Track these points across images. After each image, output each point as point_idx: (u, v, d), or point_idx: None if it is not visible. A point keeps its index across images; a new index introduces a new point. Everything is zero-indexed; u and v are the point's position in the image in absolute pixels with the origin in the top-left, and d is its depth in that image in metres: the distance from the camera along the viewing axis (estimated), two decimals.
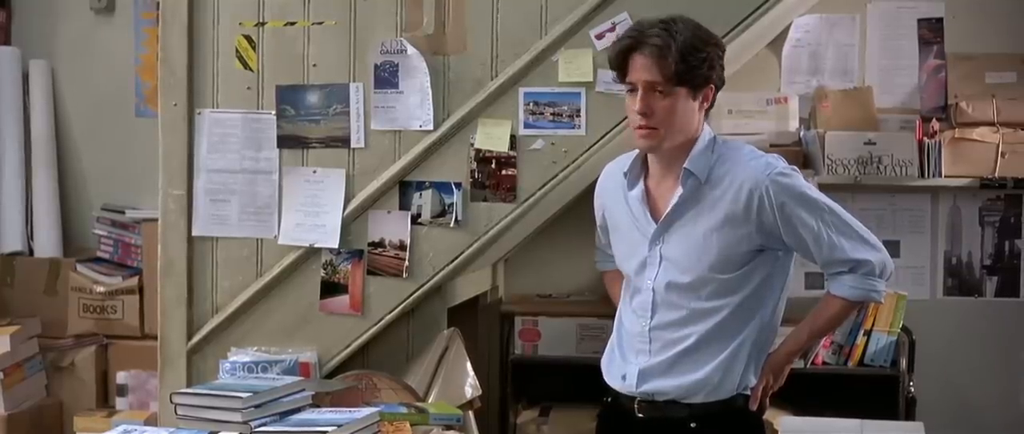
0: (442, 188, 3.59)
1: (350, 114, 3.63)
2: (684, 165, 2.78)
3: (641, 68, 2.74)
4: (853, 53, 4.43)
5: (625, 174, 2.89)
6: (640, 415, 2.86)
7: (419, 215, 3.60)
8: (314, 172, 3.66)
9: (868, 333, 4.03)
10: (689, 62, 2.71)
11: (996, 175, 4.23)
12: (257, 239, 3.70)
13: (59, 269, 4.58)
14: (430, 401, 3.41)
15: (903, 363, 4.03)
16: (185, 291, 3.71)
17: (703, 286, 2.79)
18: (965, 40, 4.38)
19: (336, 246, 3.63)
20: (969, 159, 4.24)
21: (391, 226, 3.62)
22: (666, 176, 2.84)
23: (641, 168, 2.88)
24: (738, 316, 2.80)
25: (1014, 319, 4.39)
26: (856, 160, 4.21)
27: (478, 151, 3.57)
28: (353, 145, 3.64)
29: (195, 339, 3.71)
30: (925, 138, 4.22)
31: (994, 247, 4.40)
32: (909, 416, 4.00)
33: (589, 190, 3.18)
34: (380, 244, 3.63)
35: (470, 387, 3.56)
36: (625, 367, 2.89)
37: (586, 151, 3.52)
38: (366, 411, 3.05)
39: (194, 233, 3.71)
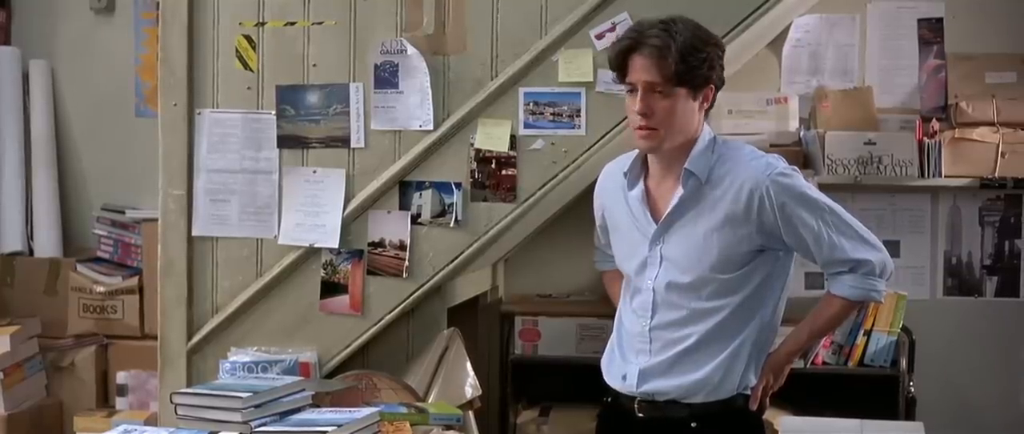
0: (442, 188, 3.59)
1: (350, 114, 3.63)
2: (684, 165, 2.78)
3: (641, 69, 2.74)
4: (853, 53, 4.43)
5: (625, 174, 2.89)
6: (640, 415, 2.86)
7: (419, 215, 3.60)
8: (314, 172, 3.66)
9: (868, 333, 4.03)
10: (689, 62, 2.71)
11: (996, 175, 4.23)
12: (257, 239, 3.70)
13: (59, 269, 4.58)
14: (430, 401, 3.41)
15: (903, 363, 4.03)
16: (185, 291, 3.71)
17: (703, 286, 2.79)
18: (965, 40, 4.38)
19: (336, 246, 3.63)
20: (969, 159, 4.24)
21: (391, 226, 3.62)
22: (666, 176, 2.84)
23: (641, 168, 2.88)
24: (738, 316, 2.80)
25: (1014, 319, 4.39)
26: (856, 160, 4.21)
27: (478, 151, 3.57)
28: (353, 145, 3.64)
29: (195, 339, 3.71)
30: (925, 138, 4.22)
31: (994, 247, 4.40)
32: (909, 416, 4.00)
33: (589, 190, 3.18)
34: (380, 244, 3.63)
35: (470, 387, 3.56)
36: (625, 367, 2.89)
37: (586, 151, 3.52)
38: (366, 411, 3.05)
39: (194, 233, 3.71)
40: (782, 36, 4.40)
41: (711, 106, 2.83)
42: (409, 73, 3.58)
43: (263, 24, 3.67)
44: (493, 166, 3.57)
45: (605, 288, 3.23)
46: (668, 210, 2.81)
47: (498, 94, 3.55)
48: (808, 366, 3.99)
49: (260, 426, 2.92)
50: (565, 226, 4.04)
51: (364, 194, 3.62)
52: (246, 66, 3.68)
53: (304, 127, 3.66)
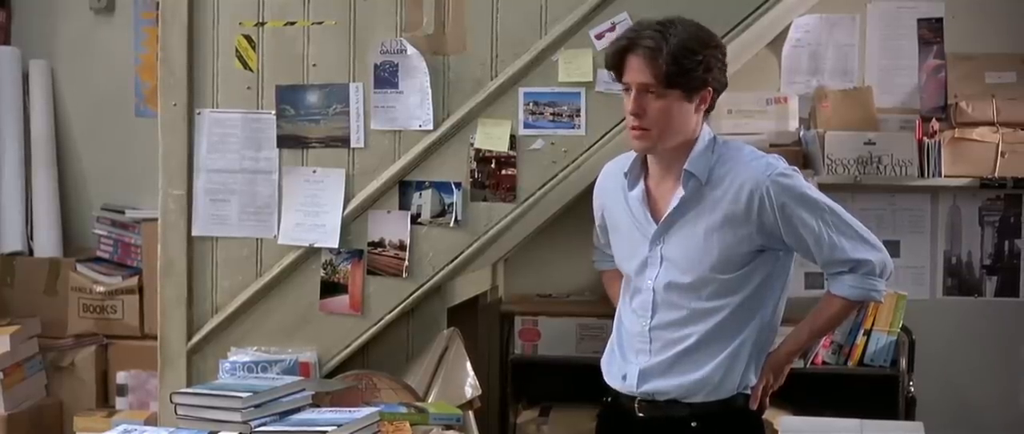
0: (442, 188, 3.59)
1: (350, 114, 3.63)
2: (684, 166, 2.78)
3: (635, 69, 2.74)
4: (853, 53, 4.43)
5: (625, 174, 2.89)
6: (640, 414, 2.86)
7: (419, 215, 3.60)
8: (314, 172, 3.66)
9: (868, 333, 4.03)
10: (682, 65, 2.70)
11: (996, 175, 4.23)
12: (257, 239, 3.70)
13: (59, 269, 4.58)
14: (430, 401, 3.41)
15: (903, 363, 4.03)
16: (185, 291, 3.71)
17: (704, 286, 2.79)
18: (965, 40, 4.38)
19: (336, 246, 3.63)
20: (969, 159, 4.24)
21: (391, 226, 3.62)
22: (666, 177, 2.84)
23: (641, 168, 2.88)
24: (738, 316, 2.80)
25: (1014, 319, 4.39)
26: (856, 160, 4.21)
27: (478, 151, 3.57)
28: (353, 145, 3.64)
29: (195, 339, 3.71)
30: (925, 138, 4.22)
31: (994, 247, 4.40)
32: (909, 416, 4.00)
33: (589, 190, 3.18)
34: (380, 244, 3.63)
35: (470, 387, 3.56)
36: (625, 367, 2.89)
37: (586, 151, 3.52)
38: (366, 411, 3.05)
39: (194, 233, 3.71)
40: (782, 36, 4.40)
41: (711, 108, 2.82)
42: (409, 73, 3.58)
43: (263, 24, 3.67)
44: (493, 166, 3.57)
45: (604, 288, 3.23)
46: (669, 211, 2.81)
47: (498, 94, 3.55)
48: (808, 366, 4.00)
49: (260, 426, 2.92)
50: (565, 226, 4.04)
51: (364, 194, 3.62)
52: (246, 66, 3.68)
53: (304, 127, 3.66)
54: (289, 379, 3.24)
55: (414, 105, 3.59)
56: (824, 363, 4.06)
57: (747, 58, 4.17)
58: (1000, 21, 4.35)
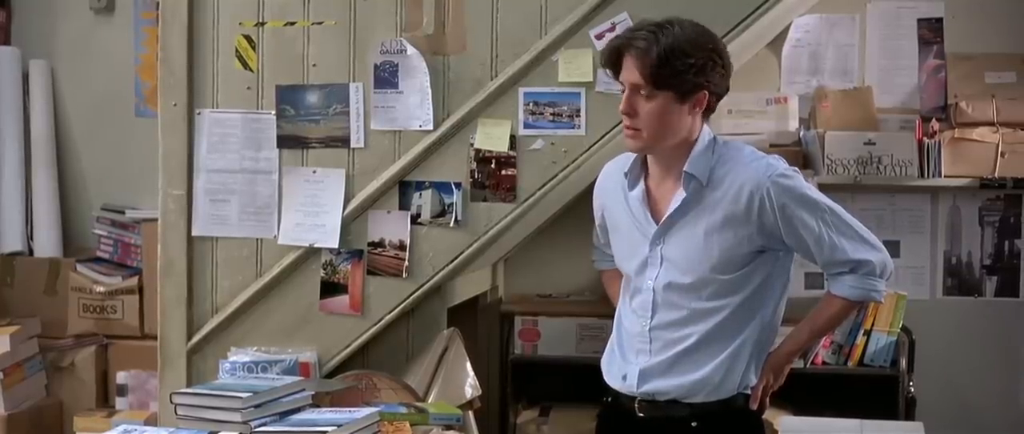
0: (442, 188, 3.59)
1: (350, 114, 3.63)
2: (684, 168, 2.78)
3: (628, 69, 2.75)
4: (853, 53, 4.43)
5: (625, 174, 2.89)
6: (641, 414, 2.86)
7: (419, 215, 3.60)
8: (314, 172, 3.66)
9: (868, 333, 4.03)
10: (673, 66, 2.69)
11: (996, 175, 4.23)
12: (257, 239, 3.70)
13: (59, 269, 4.58)
14: (430, 401, 3.41)
15: (903, 363, 4.03)
16: (185, 291, 3.71)
17: (704, 287, 2.79)
18: (965, 40, 4.38)
19: (336, 246, 3.63)
20: (969, 159, 4.24)
21: (391, 226, 3.62)
22: (666, 177, 2.84)
23: (641, 169, 2.88)
24: (739, 316, 2.80)
25: (1014, 319, 4.39)
26: (856, 160, 4.21)
27: (478, 151, 3.57)
28: (353, 145, 3.64)
29: (195, 339, 3.71)
30: (925, 138, 4.23)
31: (994, 247, 4.40)
32: (909, 416, 4.00)
33: (589, 190, 3.18)
34: (380, 244, 3.63)
35: (470, 387, 3.56)
36: (625, 367, 2.89)
37: (586, 151, 3.52)
38: (366, 411, 3.05)
39: (194, 233, 3.71)
40: (782, 36, 4.40)
41: (710, 111, 2.81)
42: (409, 73, 3.58)
43: (263, 24, 3.67)
44: (493, 166, 3.57)
45: (604, 287, 3.23)
46: (669, 212, 2.81)
47: (498, 94, 3.55)
48: (808, 366, 4.00)
49: (260, 426, 2.92)
50: (565, 226, 4.05)
51: (364, 194, 3.62)
52: (246, 66, 3.68)
53: (304, 127, 3.66)
54: (289, 379, 3.24)
55: (414, 105, 3.59)
56: (824, 363, 4.06)
57: (747, 58, 4.17)
58: (1000, 21, 4.35)
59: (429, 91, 3.57)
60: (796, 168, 2.83)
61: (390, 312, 3.63)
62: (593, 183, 3.12)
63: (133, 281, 4.50)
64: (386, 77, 3.60)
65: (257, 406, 2.95)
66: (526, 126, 3.55)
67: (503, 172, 3.56)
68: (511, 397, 4.26)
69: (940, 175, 4.21)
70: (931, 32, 4.40)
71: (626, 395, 2.89)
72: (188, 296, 3.71)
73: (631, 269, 2.90)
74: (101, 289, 4.50)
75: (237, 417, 2.90)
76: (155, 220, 3.82)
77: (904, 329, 4.07)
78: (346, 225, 3.63)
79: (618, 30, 3.39)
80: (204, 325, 3.71)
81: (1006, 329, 4.39)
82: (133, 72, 4.73)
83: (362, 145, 3.63)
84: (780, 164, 2.79)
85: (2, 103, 4.69)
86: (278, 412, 3.00)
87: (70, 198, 4.80)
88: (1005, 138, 4.23)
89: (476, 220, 3.59)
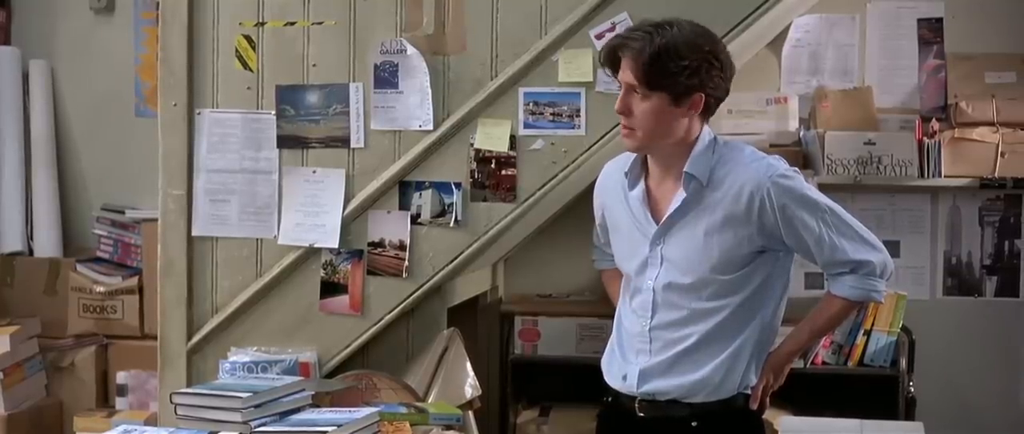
0: (442, 188, 3.59)
1: (350, 114, 3.63)
2: (685, 168, 2.78)
3: (623, 69, 2.75)
4: (853, 53, 4.43)
5: (626, 174, 2.89)
6: (641, 414, 2.86)
7: (419, 215, 3.60)
8: (314, 172, 3.66)
9: (868, 333, 4.03)
10: (666, 68, 2.69)
11: (996, 175, 4.23)
12: (257, 239, 3.70)
13: (59, 269, 4.58)
14: (430, 401, 3.41)
15: (903, 363, 4.03)
16: (185, 291, 3.71)
17: (704, 287, 2.79)
18: (965, 40, 4.38)
19: (336, 246, 3.63)
20: (969, 159, 4.24)
21: (391, 226, 3.62)
22: (665, 177, 2.84)
23: (641, 169, 2.88)
24: (739, 316, 2.80)
25: (1014, 319, 4.39)
26: (856, 160, 4.21)
27: (478, 151, 3.57)
28: (353, 145, 3.64)
29: (195, 339, 3.71)
30: (925, 138, 4.22)
31: (994, 247, 4.40)
32: (909, 416, 4.00)
33: (589, 190, 3.18)
34: (380, 244, 3.63)
35: (470, 387, 3.56)
36: (626, 367, 2.89)
37: (586, 151, 3.52)
38: (366, 411, 3.05)
39: (194, 233, 3.71)
40: (782, 36, 4.40)
41: (710, 113, 2.81)
42: (409, 73, 3.58)
43: (263, 24, 3.67)
44: (493, 166, 3.57)
45: (604, 287, 3.23)
46: (669, 212, 2.81)
47: (498, 94, 3.55)
48: (808, 366, 4.00)
49: (260, 426, 2.92)
50: (565, 226, 4.04)
51: (364, 194, 3.62)
52: (246, 66, 3.68)
53: (304, 127, 3.66)
54: (289, 379, 3.24)
55: (414, 105, 3.59)
56: (824, 363, 4.06)
57: (747, 58, 4.16)
58: (1000, 21, 4.35)
59: (429, 91, 3.57)
60: (796, 168, 2.83)
61: (390, 312, 3.63)
62: (593, 183, 3.12)
63: (133, 281, 4.50)
64: (386, 77, 3.60)
65: (257, 406, 2.95)
66: (526, 126, 3.55)
67: (503, 172, 3.56)
68: (511, 397, 4.26)
69: (940, 175, 4.21)
70: (931, 32, 4.40)
71: (626, 395, 2.89)
72: (188, 296, 3.71)
73: (631, 269, 2.90)
74: (101, 289, 4.50)
75: (237, 417, 2.90)
76: (155, 220, 3.82)
77: (904, 329, 4.07)
78: (346, 225, 3.63)
79: (618, 30, 3.38)
80: (204, 325, 3.71)
81: (1006, 329, 4.39)
82: (133, 72, 4.73)
83: (362, 145, 3.63)
84: (780, 164, 2.79)
85: (2, 103, 4.69)
86: (278, 412, 3.00)
87: (70, 198, 4.80)
88: (1005, 138, 4.23)
89: (476, 220, 3.58)
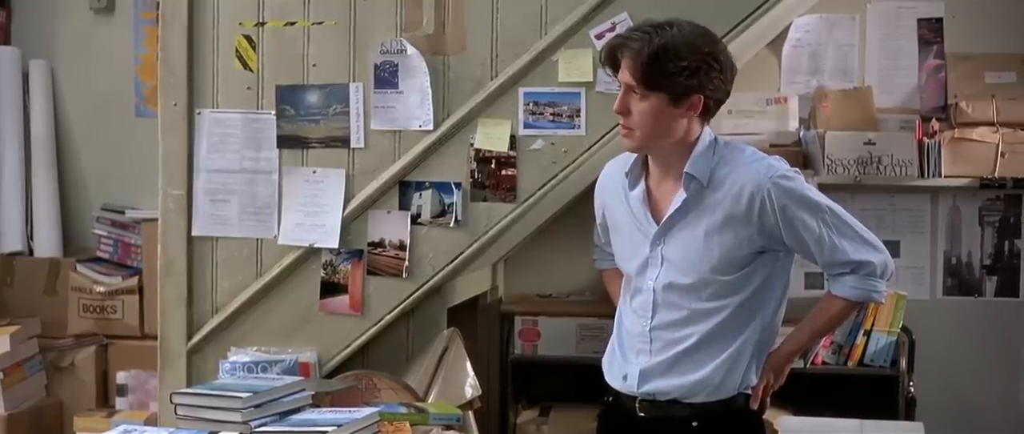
0: (442, 188, 3.59)
1: (350, 114, 3.63)
2: (685, 169, 2.78)
3: (623, 69, 2.75)
4: (853, 53, 4.43)
5: (626, 174, 2.89)
6: (641, 414, 2.86)
7: (419, 215, 3.60)
8: (314, 172, 3.66)
9: (868, 333, 4.03)
10: (664, 68, 2.69)
11: (996, 175, 4.23)
12: (257, 239, 3.70)
13: (59, 269, 4.58)
14: (430, 401, 3.41)
15: (903, 363, 4.03)
16: (185, 291, 3.71)
17: (704, 287, 2.79)
18: (965, 40, 4.38)
19: (336, 246, 3.63)
20: (969, 159, 4.24)
21: (391, 226, 3.62)
22: (666, 178, 2.84)
23: (642, 169, 2.88)
24: (739, 316, 2.80)
25: (1014, 319, 4.39)
26: (856, 160, 4.21)
27: (478, 151, 3.57)
28: (353, 145, 3.64)
29: (195, 339, 3.71)
30: (925, 138, 4.22)
31: (994, 247, 4.40)
32: (909, 416, 4.00)
33: (589, 190, 3.18)
34: (380, 244, 3.63)
35: (470, 387, 3.56)
36: (626, 367, 2.89)
37: (586, 151, 3.52)
38: (366, 411, 3.05)
39: (194, 233, 3.71)
40: (782, 36, 4.40)
41: (710, 114, 2.80)
42: (409, 73, 3.58)
43: (263, 24, 3.67)
44: (493, 166, 3.57)
45: (605, 286, 3.23)
46: (670, 212, 2.81)
47: (498, 94, 3.55)
48: (808, 366, 4.00)
49: (260, 426, 2.92)
50: (565, 226, 4.04)
51: (364, 194, 3.62)
52: (246, 66, 3.68)
53: (304, 127, 3.66)
54: (289, 379, 3.24)
55: (414, 105, 3.59)
56: (824, 363, 4.06)
57: (747, 58, 4.16)
58: (1000, 21, 4.35)
59: (429, 91, 3.57)
60: (797, 169, 2.83)
61: (390, 312, 3.63)
62: (593, 183, 3.12)
63: (133, 281, 4.50)
64: (386, 77, 3.60)
65: (257, 406, 2.95)
66: (526, 126, 3.55)
67: (503, 172, 3.56)
68: (511, 397, 4.25)
69: (940, 175, 4.21)
70: (931, 32, 4.40)
71: (627, 395, 2.89)
72: (188, 296, 3.71)
73: (631, 269, 2.90)
74: (101, 289, 4.51)
75: (237, 417, 2.90)
76: (155, 220, 3.82)
77: (904, 329, 4.07)
78: (346, 225, 3.63)
79: (618, 30, 3.38)
80: (204, 325, 3.71)
81: (1006, 329, 4.39)
82: (133, 72, 4.73)
83: (362, 145, 3.63)
84: (781, 165, 2.78)
85: (2, 103, 4.69)
86: (278, 412, 3.00)
87: (70, 198, 4.80)
88: (1005, 138, 4.23)
89: (476, 220, 3.58)
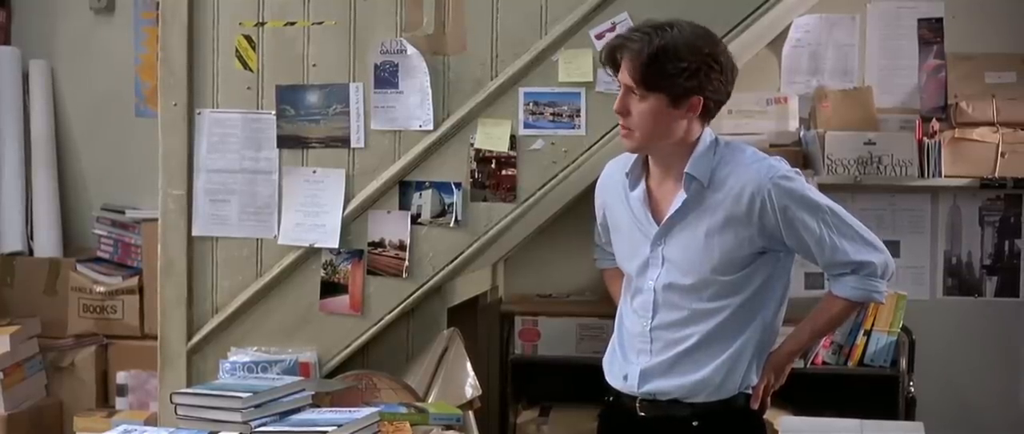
0: (442, 188, 3.59)
1: (350, 114, 3.63)
2: (685, 169, 2.78)
3: (622, 69, 2.75)
4: (853, 53, 4.43)
5: (627, 174, 2.89)
6: (642, 414, 2.86)
7: (419, 215, 3.60)
8: (314, 172, 3.66)
9: (868, 333, 4.03)
10: (664, 69, 2.69)
11: (996, 175, 4.23)
12: (257, 239, 3.70)
13: (59, 269, 4.58)
14: (430, 401, 3.41)
15: (903, 363, 4.03)
16: (185, 291, 3.71)
17: (705, 287, 2.79)
18: (965, 40, 4.38)
19: (336, 246, 3.63)
20: (969, 159, 4.24)
21: (391, 226, 3.62)
22: (666, 178, 2.84)
23: (642, 169, 2.88)
24: (739, 317, 2.80)
25: (1014, 319, 4.39)
26: (856, 160, 4.21)
27: (478, 151, 3.57)
28: (353, 145, 3.64)
29: (195, 339, 3.71)
30: (925, 138, 4.22)
31: (994, 247, 4.40)
32: (909, 416, 4.00)
33: (589, 190, 3.18)
34: (380, 244, 3.63)
35: (470, 387, 3.56)
36: (627, 367, 2.89)
37: (586, 151, 3.52)
38: (366, 411, 3.04)
39: (194, 233, 3.71)
40: (782, 36, 4.40)
41: (710, 115, 2.80)
42: (409, 73, 3.58)
43: (263, 24, 3.67)
44: (493, 166, 3.57)
45: (605, 285, 3.23)
46: (670, 213, 2.81)
47: (498, 94, 3.55)
48: (808, 366, 3.99)
49: (260, 426, 2.92)
50: (565, 226, 4.04)
51: (364, 194, 3.62)
52: (246, 66, 3.68)
53: (304, 127, 3.66)
54: (289, 379, 3.24)
55: (414, 105, 3.59)
56: (824, 363, 4.06)
57: (747, 58, 4.16)
58: (1000, 21, 4.35)
59: (429, 91, 3.57)
60: (798, 170, 2.83)
61: (390, 312, 3.63)
62: (593, 183, 3.12)
63: (133, 281, 4.50)
64: (386, 77, 3.60)
65: (257, 406, 2.95)
66: (526, 126, 3.55)
67: (503, 172, 3.56)
68: (511, 397, 4.25)
69: (940, 175, 4.21)
70: (931, 32, 4.40)
71: (627, 395, 2.89)
72: (188, 296, 3.71)
73: (632, 269, 2.90)
74: (101, 289, 4.50)
75: (237, 417, 2.90)
76: (155, 220, 3.82)
77: (904, 329, 4.06)
78: (346, 225, 3.63)
79: (618, 30, 3.38)
80: (204, 325, 3.71)
81: (1006, 329, 4.39)
82: (133, 72, 4.73)
83: (362, 145, 3.63)
84: (782, 166, 2.78)
85: (2, 103, 4.69)
86: (278, 412, 3.00)
87: (70, 198, 4.80)
88: (1005, 138, 4.23)
89: (476, 220, 3.58)
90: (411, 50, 3.57)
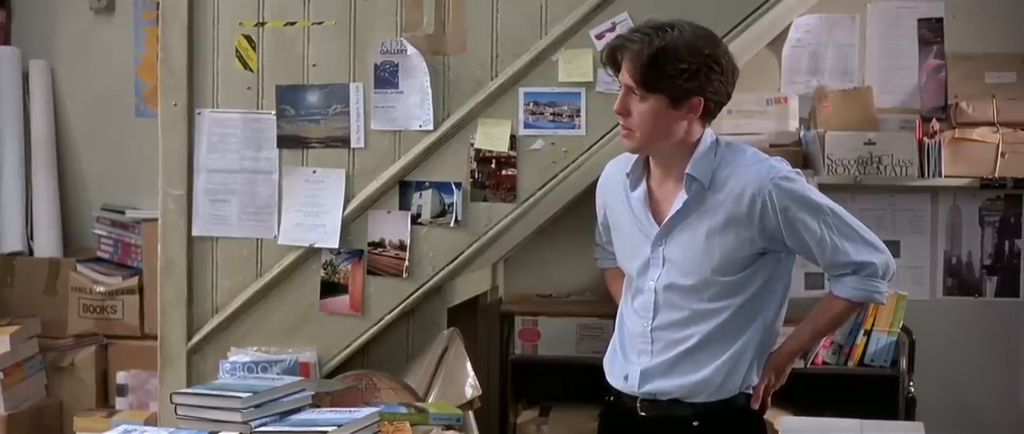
0: (442, 188, 3.59)
1: (350, 114, 3.63)
2: (686, 170, 2.78)
3: (623, 69, 2.75)
4: (853, 53, 4.43)
5: (627, 174, 2.89)
6: (643, 414, 2.86)
7: (419, 215, 3.60)
8: (314, 172, 3.66)
9: (868, 333, 4.03)
10: (664, 70, 2.68)
11: (996, 175, 4.23)
12: (257, 239, 3.70)
13: (59, 269, 4.58)
14: (430, 401, 3.41)
15: (903, 363, 4.03)
16: (185, 291, 3.71)
17: (705, 288, 2.79)
18: (965, 40, 4.38)
19: (336, 246, 3.63)
20: (969, 159, 4.24)
21: (391, 226, 3.62)
22: (667, 178, 2.84)
23: (643, 169, 2.88)
24: (740, 317, 2.80)
25: (1014, 319, 4.39)
26: (856, 160, 4.21)
27: (478, 151, 3.57)
28: (353, 145, 3.64)
29: (195, 339, 3.71)
30: (925, 138, 4.22)
31: (994, 247, 4.40)
32: (909, 416, 4.00)
33: (589, 190, 3.18)
34: (380, 244, 3.63)
35: (470, 387, 3.56)
36: (627, 367, 2.89)
37: (586, 151, 3.52)
38: (366, 411, 3.04)
39: (194, 233, 3.71)
40: (782, 36, 4.40)
41: (710, 116, 2.80)
42: (409, 73, 3.58)
43: (263, 24, 3.67)
44: (493, 166, 3.57)
45: (606, 285, 3.23)
46: (671, 213, 2.80)
47: (498, 94, 3.55)
48: (808, 366, 3.99)
49: (260, 426, 2.92)
50: (565, 226, 4.04)
51: (364, 194, 3.62)
52: (246, 66, 3.68)
53: (304, 127, 3.66)
54: (289, 379, 3.24)
55: (414, 105, 3.59)
56: (824, 363, 4.06)
57: (747, 58, 4.16)
58: (1000, 21, 4.35)
59: (429, 91, 3.57)
60: (798, 171, 2.83)
61: (390, 312, 3.63)
62: (593, 183, 3.12)
63: (133, 281, 4.50)
64: (386, 77, 3.60)
65: (257, 406, 2.95)
66: (526, 126, 3.55)
67: (503, 172, 3.56)
68: (511, 397, 4.25)
69: (940, 175, 4.21)
70: (931, 32, 4.40)
71: (628, 395, 2.89)
72: (188, 296, 3.71)
73: (633, 269, 2.90)
74: (101, 289, 4.50)
75: (237, 417, 2.90)
76: (155, 220, 3.82)
77: (904, 329, 4.07)
78: (346, 225, 3.63)
79: (618, 30, 3.39)
80: (204, 325, 3.71)
81: (1006, 329, 4.39)
82: (133, 72, 4.73)
83: (362, 145, 3.63)
84: (782, 167, 2.78)
85: (2, 103, 4.69)
86: (278, 412, 2.99)
87: (70, 198, 4.80)
88: (1005, 138, 4.23)
89: (476, 220, 3.58)
90: (411, 50, 3.57)
